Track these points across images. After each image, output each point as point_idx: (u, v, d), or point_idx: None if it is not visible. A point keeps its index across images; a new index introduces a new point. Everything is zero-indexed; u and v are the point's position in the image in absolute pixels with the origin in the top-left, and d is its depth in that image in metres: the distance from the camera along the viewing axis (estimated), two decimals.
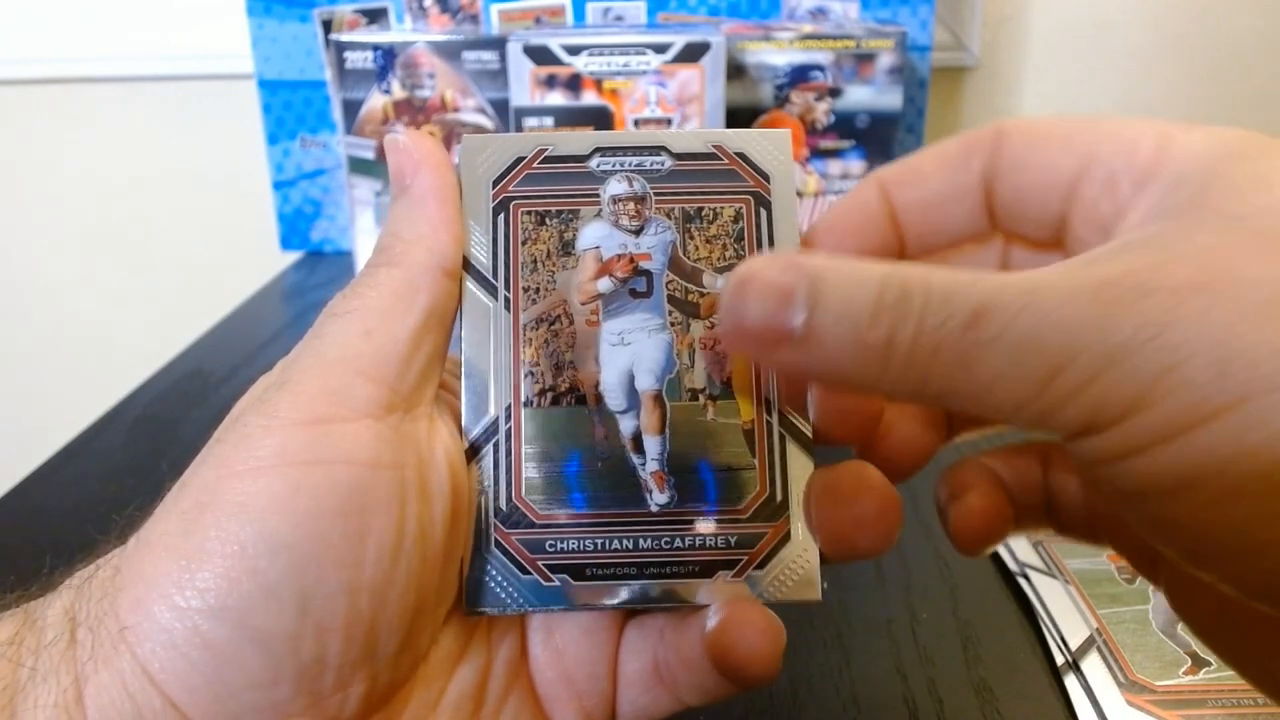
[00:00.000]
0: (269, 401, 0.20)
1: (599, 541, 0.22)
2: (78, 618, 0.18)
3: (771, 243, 0.23)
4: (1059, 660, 0.32)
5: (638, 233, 0.23)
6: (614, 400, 0.23)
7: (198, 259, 0.94)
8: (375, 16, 0.77)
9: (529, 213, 0.23)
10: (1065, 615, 0.34)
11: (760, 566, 0.22)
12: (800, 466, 0.22)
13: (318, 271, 0.79)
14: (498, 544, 0.22)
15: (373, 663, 0.19)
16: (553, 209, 0.23)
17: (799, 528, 0.22)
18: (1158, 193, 0.18)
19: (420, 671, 0.21)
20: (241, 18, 0.78)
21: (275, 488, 0.18)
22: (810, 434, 0.22)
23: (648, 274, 0.23)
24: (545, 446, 0.22)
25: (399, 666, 0.20)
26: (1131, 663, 0.32)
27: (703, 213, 0.23)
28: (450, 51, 0.67)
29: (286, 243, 0.83)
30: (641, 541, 0.22)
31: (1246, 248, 0.15)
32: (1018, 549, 0.38)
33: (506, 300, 0.23)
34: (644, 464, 0.22)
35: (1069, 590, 0.36)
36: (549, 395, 0.23)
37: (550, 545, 0.22)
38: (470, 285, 0.23)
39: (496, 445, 0.22)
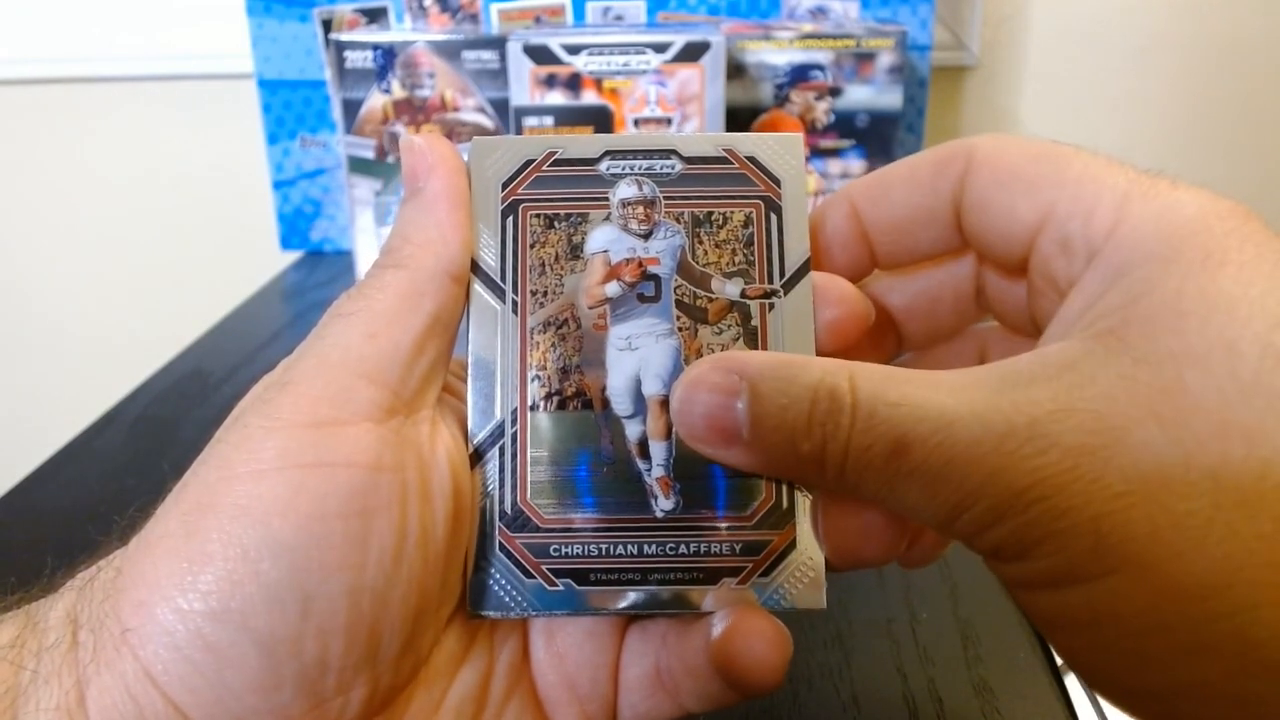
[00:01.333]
0: (271, 402, 0.20)
1: (603, 546, 0.22)
2: (79, 619, 0.18)
3: (782, 248, 0.23)
4: (1059, 660, 0.32)
5: (646, 237, 0.23)
6: (620, 405, 0.23)
7: (198, 259, 0.94)
8: (375, 16, 0.77)
9: (538, 215, 0.23)
10: None
11: (765, 574, 0.22)
12: None
13: (318, 271, 0.79)
14: (502, 547, 0.22)
15: (374, 665, 0.19)
16: (561, 212, 0.23)
17: (804, 535, 0.22)
18: (1098, 283, 0.18)
19: (422, 674, 0.21)
20: (241, 17, 0.78)
21: (277, 490, 0.18)
22: None
23: (656, 279, 0.23)
24: (551, 451, 0.22)
25: (400, 669, 0.20)
26: None
27: (712, 217, 0.23)
28: (450, 51, 0.67)
29: (286, 242, 0.83)
30: (646, 547, 0.22)
31: (1144, 405, 0.16)
32: None
33: (514, 303, 0.23)
34: (650, 470, 0.22)
35: None
36: (555, 399, 0.23)
37: (554, 549, 0.22)
38: (478, 288, 0.23)
39: (502, 449, 0.22)
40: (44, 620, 0.19)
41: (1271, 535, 0.15)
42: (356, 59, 0.68)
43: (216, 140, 0.90)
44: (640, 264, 0.23)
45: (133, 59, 0.87)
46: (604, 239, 0.23)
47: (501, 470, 0.22)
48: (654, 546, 0.22)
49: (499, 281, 0.23)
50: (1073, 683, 0.31)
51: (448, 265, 0.22)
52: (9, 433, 0.97)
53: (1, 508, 0.44)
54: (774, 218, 0.23)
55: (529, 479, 0.22)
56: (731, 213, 0.23)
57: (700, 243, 0.23)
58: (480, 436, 0.22)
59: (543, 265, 0.23)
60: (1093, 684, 0.18)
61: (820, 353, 0.23)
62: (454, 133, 0.69)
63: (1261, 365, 0.15)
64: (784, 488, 0.22)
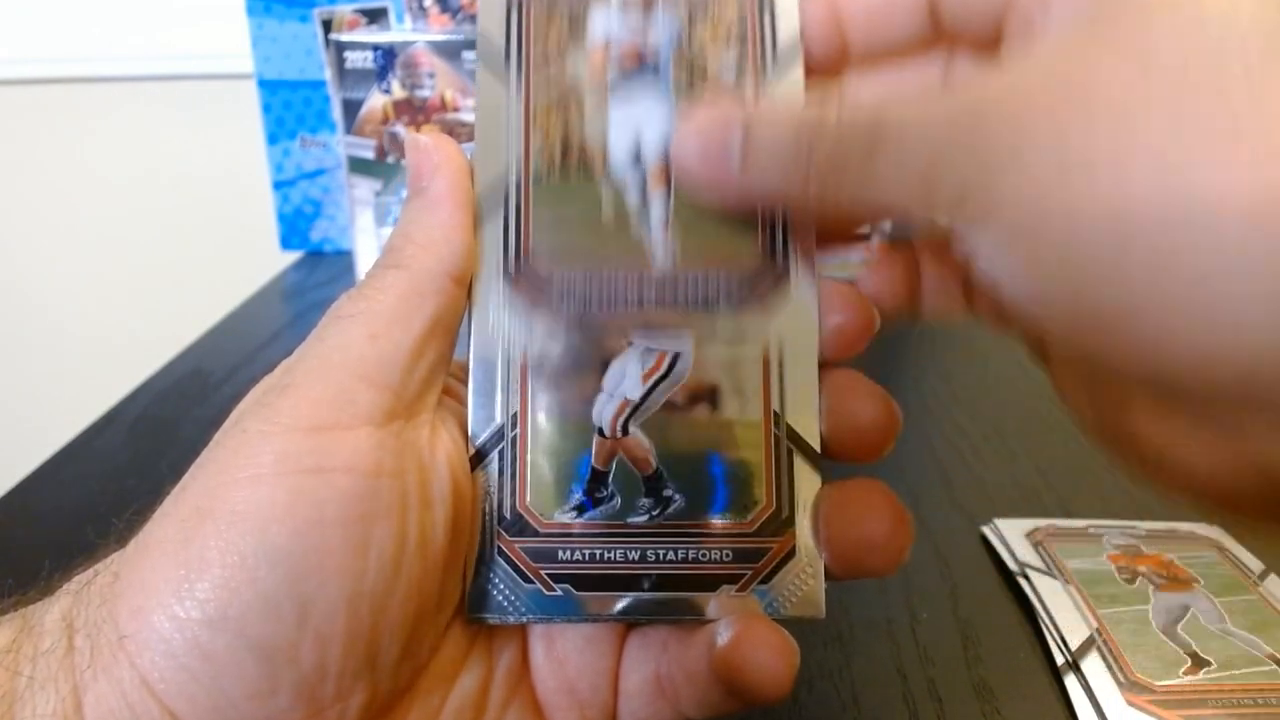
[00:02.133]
0: (270, 406, 0.19)
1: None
2: (75, 624, 0.18)
3: (775, 37, 0.23)
4: (1059, 660, 0.32)
5: (647, 6, 0.23)
6: (620, 167, 0.23)
7: (198, 259, 0.94)
8: (375, 16, 0.77)
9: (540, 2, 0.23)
10: (1065, 615, 0.34)
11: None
12: (807, 481, 0.22)
13: (318, 271, 0.79)
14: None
15: (373, 672, 0.19)
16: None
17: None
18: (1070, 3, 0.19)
19: (421, 680, 0.21)
20: (241, 18, 0.78)
21: (276, 496, 0.18)
22: (818, 448, 0.22)
23: (654, 62, 0.23)
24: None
25: (399, 675, 0.20)
26: (1132, 663, 0.32)
27: (708, 6, 0.23)
28: (450, 51, 0.67)
29: (286, 243, 0.83)
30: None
31: (1104, 61, 0.16)
32: (1017, 549, 0.38)
33: (519, 86, 0.23)
34: (649, 230, 0.22)
35: (1069, 590, 0.36)
36: (558, 166, 0.23)
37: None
38: (484, 73, 0.23)
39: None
40: (40, 624, 0.19)
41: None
42: (356, 59, 0.68)
43: (216, 140, 0.90)
44: (637, 51, 0.23)
45: (133, 59, 0.87)
46: (603, 26, 0.23)
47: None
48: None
49: (504, 65, 0.23)
50: (1073, 683, 0.31)
51: (450, 267, 0.22)
52: (9, 433, 0.97)
53: (1, 508, 0.44)
54: (767, 5, 0.23)
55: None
56: (725, 4, 0.23)
57: (695, 31, 0.23)
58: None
59: (545, 55, 0.23)
60: (1049, 320, 0.18)
61: (823, 359, 0.22)
62: (454, 133, 0.69)
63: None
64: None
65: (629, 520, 0.22)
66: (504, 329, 0.22)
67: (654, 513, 0.22)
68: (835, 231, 0.24)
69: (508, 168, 0.23)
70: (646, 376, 0.22)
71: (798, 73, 0.23)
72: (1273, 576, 0.37)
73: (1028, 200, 0.16)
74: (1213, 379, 0.15)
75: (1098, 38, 0.17)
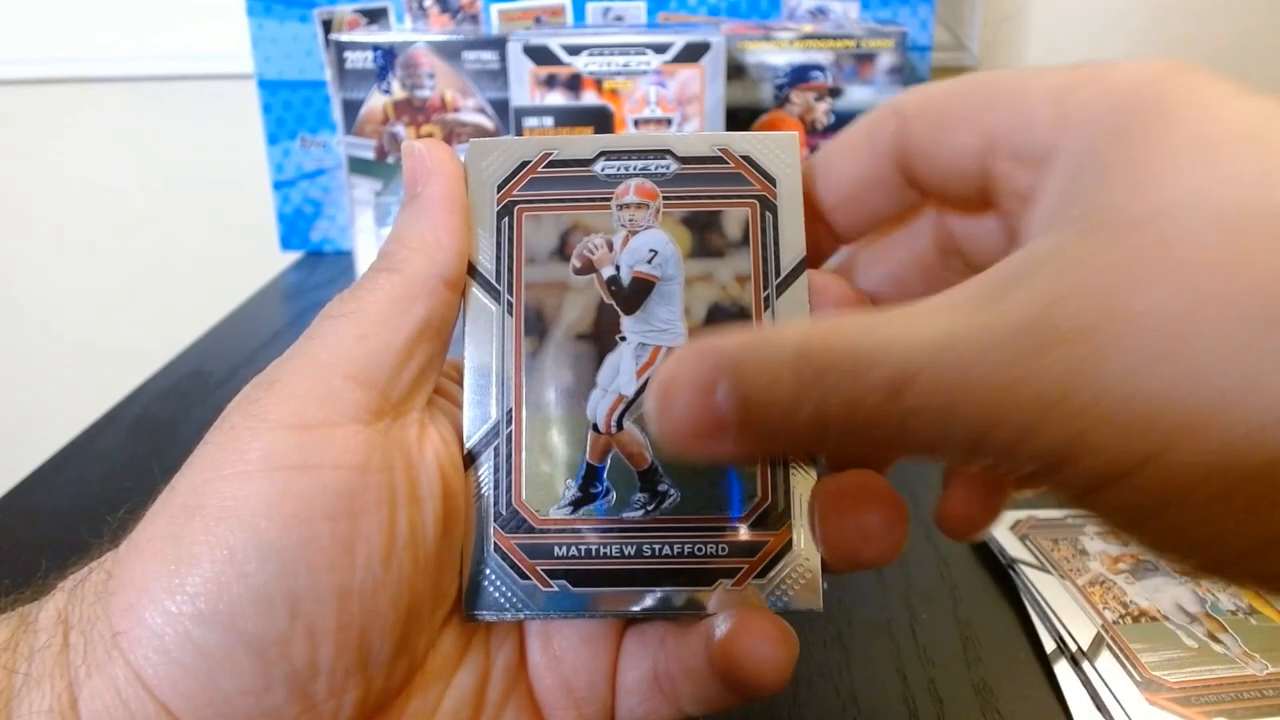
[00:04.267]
0: (257, 403, 0.19)
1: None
2: (70, 620, 0.18)
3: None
4: (1063, 659, 0.32)
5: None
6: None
7: (198, 259, 0.94)
8: (375, 16, 0.77)
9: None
10: (1068, 612, 0.34)
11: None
12: (802, 475, 0.22)
13: (318, 271, 0.79)
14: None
15: (366, 668, 0.19)
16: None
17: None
18: (1061, 177, 0.18)
19: (418, 677, 0.21)
20: (241, 18, 0.78)
21: (263, 492, 0.18)
22: None
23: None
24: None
25: (393, 672, 0.20)
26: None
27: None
28: (450, 51, 0.67)
29: (286, 243, 0.83)
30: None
31: (1142, 269, 0.15)
32: (1006, 544, 0.38)
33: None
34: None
35: (1065, 585, 0.36)
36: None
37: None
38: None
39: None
40: (35, 621, 0.19)
41: None
42: (357, 59, 0.68)
43: (216, 140, 0.90)
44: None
45: (134, 59, 0.87)
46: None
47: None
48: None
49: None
50: (1071, 683, 0.31)
51: (442, 270, 0.22)
52: (9, 433, 0.97)
53: (1, 508, 0.44)
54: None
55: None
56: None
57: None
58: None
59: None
60: (1190, 565, 0.16)
61: None
62: (454, 133, 0.69)
63: (1238, 197, 0.15)
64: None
65: (624, 515, 0.22)
66: (499, 328, 0.23)
67: (649, 507, 0.22)
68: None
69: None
70: (640, 372, 0.22)
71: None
72: None
73: (1121, 475, 0.15)
74: None
75: (1122, 243, 0.15)
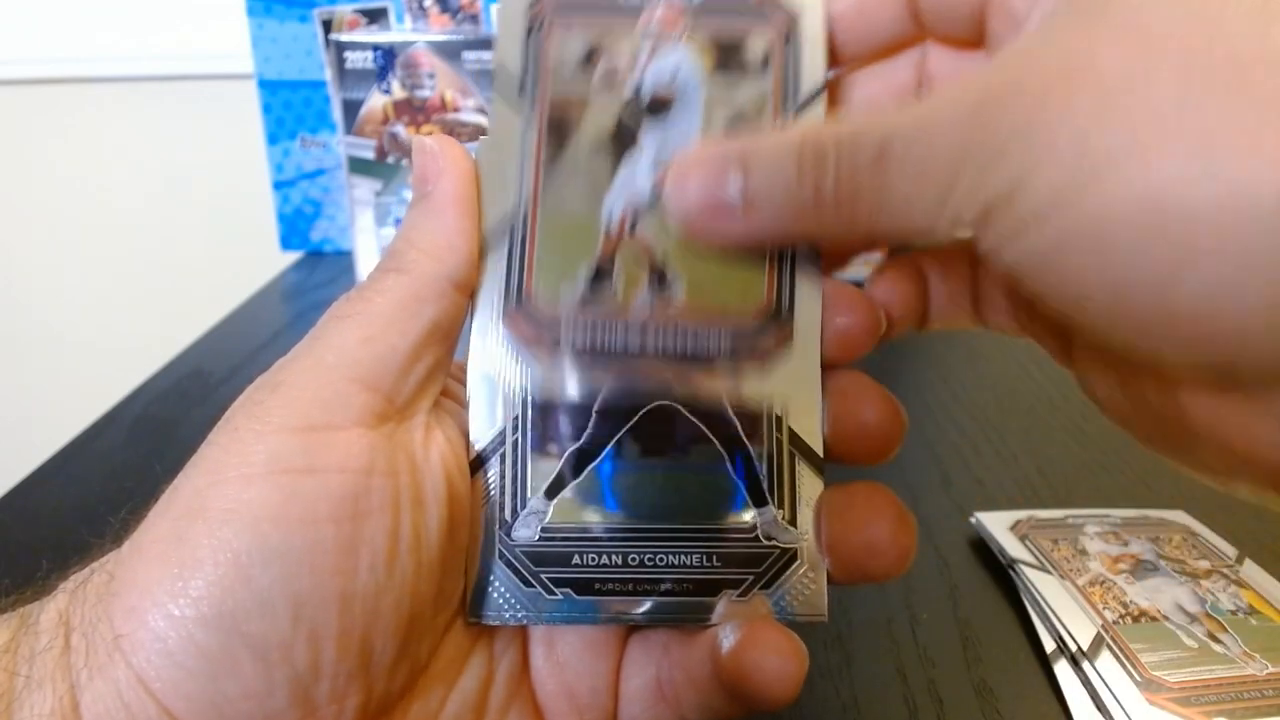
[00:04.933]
0: (262, 405, 0.19)
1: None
2: (71, 622, 0.18)
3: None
4: (1063, 659, 0.32)
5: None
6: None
7: (198, 259, 0.94)
8: (375, 16, 0.77)
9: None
10: (1068, 612, 0.34)
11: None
12: (810, 486, 0.22)
13: (318, 271, 0.79)
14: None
15: (368, 671, 0.19)
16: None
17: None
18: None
19: (421, 681, 0.21)
20: (241, 18, 0.78)
21: (267, 495, 0.18)
22: (821, 453, 0.22)
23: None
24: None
25: (396, 676, 0.20)
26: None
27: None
28: (450, 51, 0.67)
29: (286, 243, 0.83)
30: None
31: (1103, 41, 0.16)
32: (1006, 544, 0.38)
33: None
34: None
35: (1065, 584, 0.36)
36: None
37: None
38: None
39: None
40: (36, 623, 0.19)
41: (1247, 109, 0.14)
42: (357, 59, 0.68)
43: (216, 140, 0.90)
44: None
45: (134, 59, 0.87)
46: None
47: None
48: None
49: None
50: (1071, 683, 0.31)
51: (451, 272, 0.21)
52: (9, 433, 0.97)
53: (1, 508, 0.44)
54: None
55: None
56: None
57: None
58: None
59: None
60: (1079, 312, 0.17)
61: (828, 361, 0.22)
62: (454, 133, 0.69)
63: None
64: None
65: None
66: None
67: (657, 295, 0.22)
68: (843, 256, 0.24)
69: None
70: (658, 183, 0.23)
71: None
72: (1249, 561, 0.37)
73: (1056, 205, 0.16)
74: (1259, 356, 0.15)
75: (1094, 21, 0.16)
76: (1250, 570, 0.36)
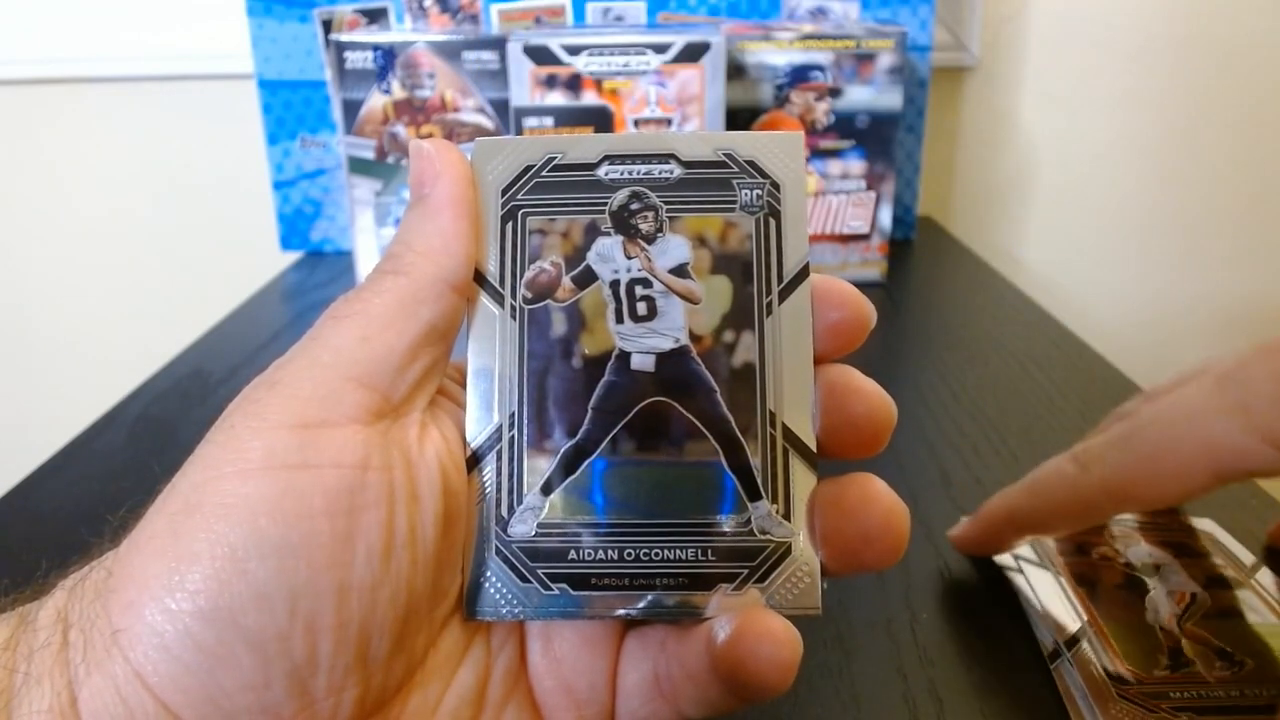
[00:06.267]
0: (258, 403, 0.20)
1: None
2: (69, 619, 0.18)
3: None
4: (1064, 659, 0.32)
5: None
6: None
7: (198, 259, 0.94)
8: (375, 16, 0.77)
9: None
10: (1069, 614, 0.34)
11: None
12: (803, 479, 0.22)
13: (318, 271, 0.80)
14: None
15: (365, 665, 0.19)
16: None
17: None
18: None
19: (418, 676, 0.21)
20: (241, 18, 0.78)
21: (263, 489, 0.18)
22: (814, 447, 0.22)
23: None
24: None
25: (392, 669, 0.20)
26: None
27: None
28: (450, 51, 0.67)
29: (286, 243, 0.83)
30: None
31: None
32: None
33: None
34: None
35: (1059, 581, 0.36)
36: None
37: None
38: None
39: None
40: (35, 620, 0.19)
41: None
42: (357, 59, 0.68)
43: (216, 140, 0.90)
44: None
45: (133, 59, 0.87)
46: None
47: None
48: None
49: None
50: (1071, 683, 0.31)
51: (449, 274, 0.22)
52: (9, 433, 0.97)
53: (1, 508, 0.44)
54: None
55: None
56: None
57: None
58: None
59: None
60: None
61: (820, 355, 0.22)
62: (454, 133, 0.69)
63: None
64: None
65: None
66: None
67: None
68: None
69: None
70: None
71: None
72: (1265, 570, 0.37)
73: None
74: None
75: None
76: (1264, 577, 0.36)
